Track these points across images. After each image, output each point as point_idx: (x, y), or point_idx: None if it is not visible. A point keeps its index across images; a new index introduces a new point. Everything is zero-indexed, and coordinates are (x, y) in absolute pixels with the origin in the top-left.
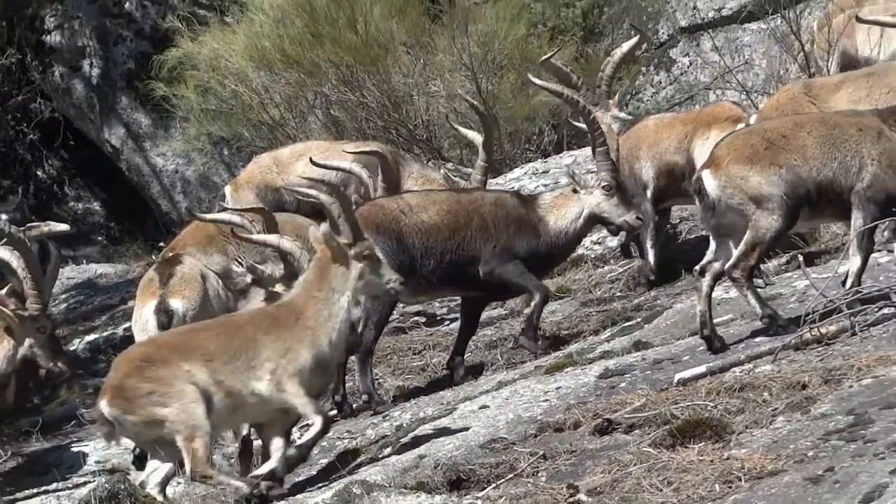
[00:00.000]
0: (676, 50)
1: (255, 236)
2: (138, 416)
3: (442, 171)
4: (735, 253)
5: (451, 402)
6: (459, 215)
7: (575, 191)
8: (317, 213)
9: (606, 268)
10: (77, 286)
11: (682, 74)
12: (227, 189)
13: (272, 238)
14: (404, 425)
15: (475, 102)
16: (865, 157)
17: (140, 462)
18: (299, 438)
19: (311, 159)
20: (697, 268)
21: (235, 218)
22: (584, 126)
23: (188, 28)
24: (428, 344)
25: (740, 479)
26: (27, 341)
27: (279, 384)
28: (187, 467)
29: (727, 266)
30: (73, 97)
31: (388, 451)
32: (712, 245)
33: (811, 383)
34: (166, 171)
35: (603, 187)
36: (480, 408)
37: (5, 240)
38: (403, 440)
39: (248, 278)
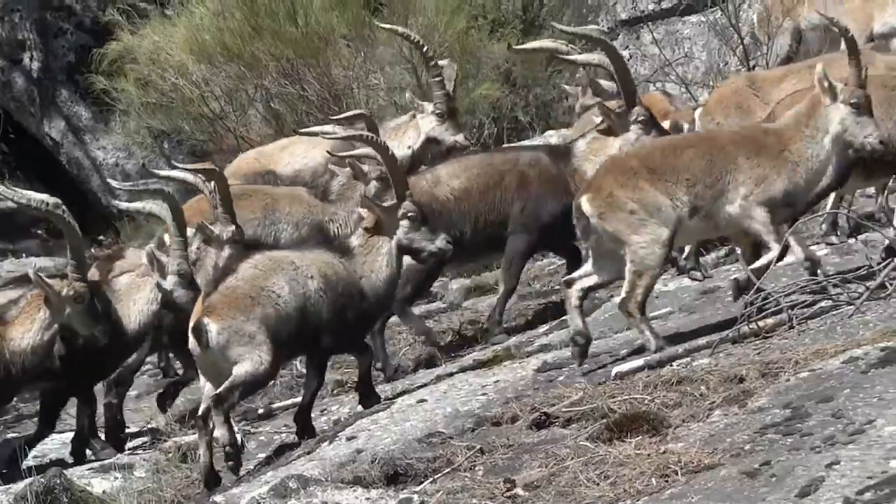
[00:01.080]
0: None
1: None
2: (610, 227)
3: (408, 95)
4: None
5: (389, 396)
6: (491, 176)
7: (609, 129)
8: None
9: (545, 261)
10: (16, 280)
11: None
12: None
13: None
14: (342, 419)
15: (411, 34)
16: None
17: (77, 457)
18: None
19: (294, 130)
20: None
21: (189, 175)
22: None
23: (128, 21)
24: None
25: (677, 473)
26: (65, 311)
27: (747, 210)
28: (621, 296)
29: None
30: (13, 90)
31: (325, 445)
32: None
33: (748, 377)
34: (107, 165)
35: (640, 122)
36: (418, 402)
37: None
38: (341, 434)
39: (195, 246)
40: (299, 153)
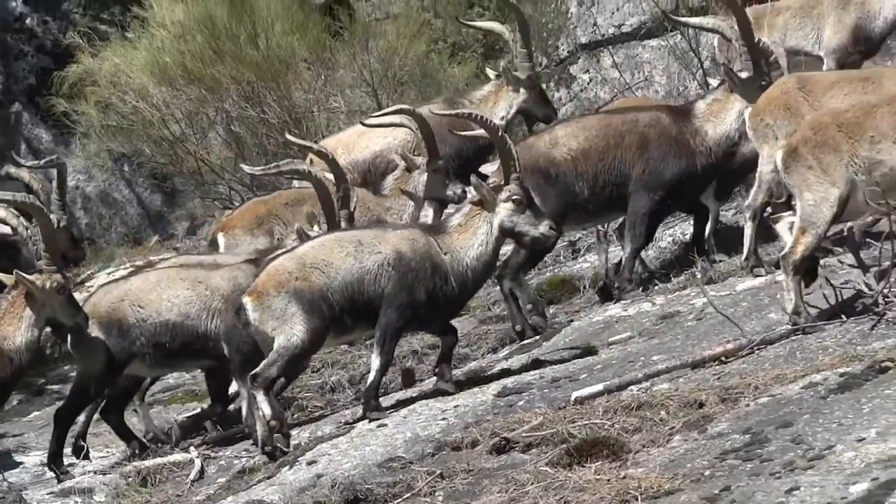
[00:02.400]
0: (577, 66)
1: None
2: (789, 180)
3: (502, 64)
4: None
5: (350, 421)
6: (609, 137)
7: (731, 91)
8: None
9: None
10: None
11: (582, 91)
12: None
13: None
14: (302, 444)
15: None
16: None
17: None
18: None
19: (360, 121)
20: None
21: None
22: None
23: (89, 44)
24: (326, 362)
25: (637, 499)
26: (50, 303)
27: None
28: (784, 250)
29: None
30: None
31: (285, 469)
32: None
33: (708, 402)
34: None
35: (762, 87)
36: (378, 426)
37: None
38: (301, 459)
39: None
40: (378, 133)
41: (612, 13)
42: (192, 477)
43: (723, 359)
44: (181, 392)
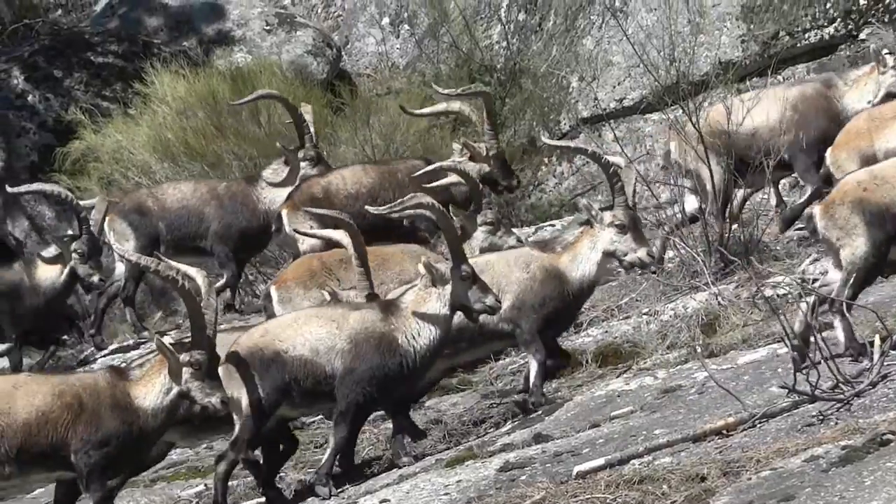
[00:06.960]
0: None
1: None
2: None
3: None
4: None
5: (352, 497)
6: None
7: None
8: None
9: (507, 360)
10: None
11: (584, 165)
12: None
13: None
14: None
15: None
16: None
17: None
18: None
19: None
20: None
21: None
22: None
23: (91, 120)
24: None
25: None
26: (183, 378)
27: None
28: None
29: None
30: None
31: None
32: None
33: (710, 475)
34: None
35: None
36: (381, 502)
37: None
38: None
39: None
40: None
41: (613, 87)
42: None
43: (724, 432)
44: (185, 468)
